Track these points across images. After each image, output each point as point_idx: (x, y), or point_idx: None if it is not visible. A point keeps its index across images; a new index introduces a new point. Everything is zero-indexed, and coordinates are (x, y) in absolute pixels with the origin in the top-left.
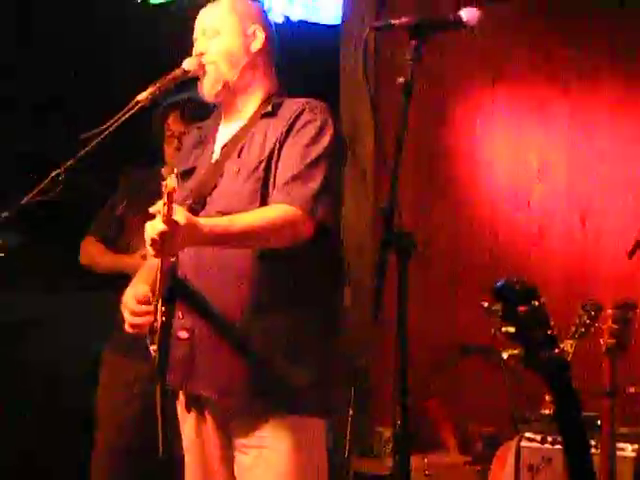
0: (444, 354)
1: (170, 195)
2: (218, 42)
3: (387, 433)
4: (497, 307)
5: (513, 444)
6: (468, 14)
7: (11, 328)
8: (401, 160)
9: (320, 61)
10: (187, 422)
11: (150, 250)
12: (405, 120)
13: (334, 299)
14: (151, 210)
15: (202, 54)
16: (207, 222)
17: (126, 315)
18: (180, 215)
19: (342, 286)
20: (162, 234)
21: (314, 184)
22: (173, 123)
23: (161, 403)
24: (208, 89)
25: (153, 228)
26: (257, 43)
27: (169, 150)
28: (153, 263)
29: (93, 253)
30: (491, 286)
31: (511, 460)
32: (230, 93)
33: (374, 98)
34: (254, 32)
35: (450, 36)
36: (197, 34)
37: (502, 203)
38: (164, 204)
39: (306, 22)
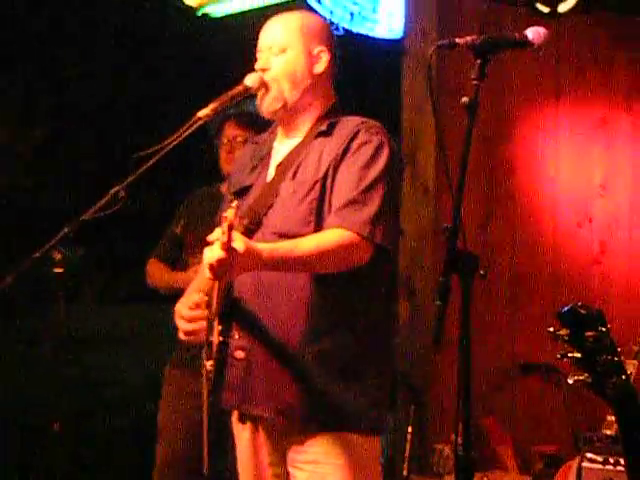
0: (504, 373)
1: (230, 226)
2: (283, 60)
3: (446, 450)
4: (563, 332)
5: (574, 464)
6: (534, 34)
7: (72, 341)
8: (464, 181)
9: (380, 75)
10: (241, 438)
11: (208, 275)
12: (469, 140)
13: (388, 320)
14: (209, 238)
15: (265, 70)
16: (266, 247)
17: (179, 323)
18: (239, 242)
19: (394, 305)
20: (220, 261)
21: (371, 208)
22: (228, 130)
23: (208, 421)
24: (267, 106)
25: (212, 254)
26: (321, 65)
27: (223, 155)
28: (205, 276)
29: (155, 274)
30: (556, 309)
31: None
32: (288, 112)
33: (436, 112)
34: (319, 53)
35: (513, 51)
36: (261, 47)
37: (564, 219)
38: (223, 232)
39: (367, 36)
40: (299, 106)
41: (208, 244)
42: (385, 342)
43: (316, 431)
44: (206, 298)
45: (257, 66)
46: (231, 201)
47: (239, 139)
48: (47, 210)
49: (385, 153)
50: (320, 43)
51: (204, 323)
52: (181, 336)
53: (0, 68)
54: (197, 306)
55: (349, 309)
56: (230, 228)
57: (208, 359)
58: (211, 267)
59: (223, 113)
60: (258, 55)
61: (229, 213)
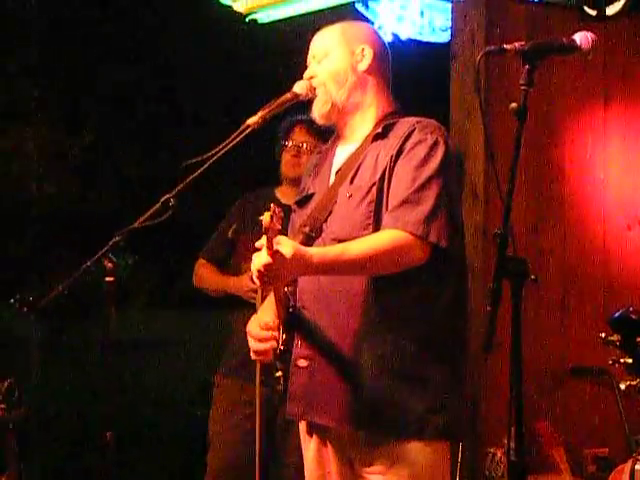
0: (555, 376)
1: (267, 230)
2: (326, 63)
3: (499, 454)
4: (615, 338)
5: (627, 467)
6: (582, 38)
7: (120, 348)
8: (514, 187)
9: (429, 79)
10: (308, 449)
11: (257, 281)
12: (518, 146)
13: (455, 322)
14: (257, 244)
15: (312, 77)
16: (316, 252)
17: (251, 343)
18: (286, 247)
19: (464, 305)
20: (266, 266)
21: (425, 207)
22: (298, 134)
23: (262, 429)
24: (318, 110)
25: (259, 260)
26: (365, 62)
27: (286, 157)
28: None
29: (204, 275)
30: (606, 312)
31: None
32: (340, 114)
33: (485, 118)
34: (362, 51)
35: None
36: (309, 59)
37: (614, 223)
38: (267, 239)
39: (415, 41)
40: (349, 106)
41: (257, 250)
42: (453, 343)
43: (381, 439)
44: (274, 324)
45: (305, 76)
46: (294, 211)
47: (307, 145)
48: (95, 214)
49: (440, 151)
50: (361, 42)
51: (274, 344)
52: (252, 355)
53: (49, 73)
54: (268, 327)
55: (410, 312)
56: (267, 231)
57: (278, 370)
58: (259, 273)
59: (290, 119)
60: (308, 66)
61: (264, 217)
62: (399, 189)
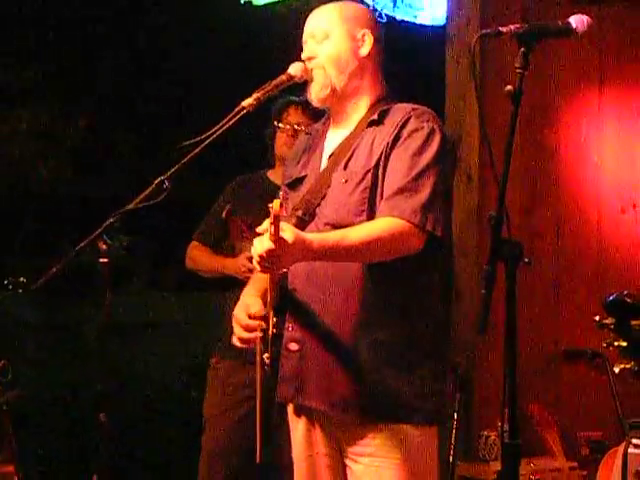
0: (549, 359)
1: (276, 217)
2: (327, 46)
3: (492, 436)
4: (609, 321)
5: (620, 450)
6: (577, 21)
7: (116, 330)
8: (509, 170)
9: (423, 62)
10: (297, 430)
11: (257, 267)
12: (513, 129)
13: (443, 310)
14: (258, 229)
15: (310, 58)
16: (316, 237)
17: (236, 329)
18: (288, 232)
19: (450, 295)
20: (269, 252)
21: (422, 195)
22: (292, 115)
23: (262, 410)
24: (316, 93)
25: (261, 246)
26: (366, 47)
27: (282, 138)
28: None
29: (198, 257)
30: (600, 295)
31: (618, 466)
32: (338, 98)
33: (480, 101)
34: (363, 36)
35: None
36: (306, 37)
37: (608, 206)
38: (271, 223)
39: (410, 22)
40: (348, 91)
41: (257, 235)
42: (440, 331)
43: (371, 423)
44: (262, 313)
45: (303, 56)
46: (285, 192)
47: (303, 126)
48: (90, 197)
49: (436, 140)
50: (363, 26)
51: (259, 334)
52: (234, 341)
53: (46, 54)
54: (256, 317)
55: (402, 299)
56: (276, 218)
57: (265, 352)
58: (261, 258)
59: (283, 99)
60: (304, 46)
61: (274, 204)
62: (396, 177)
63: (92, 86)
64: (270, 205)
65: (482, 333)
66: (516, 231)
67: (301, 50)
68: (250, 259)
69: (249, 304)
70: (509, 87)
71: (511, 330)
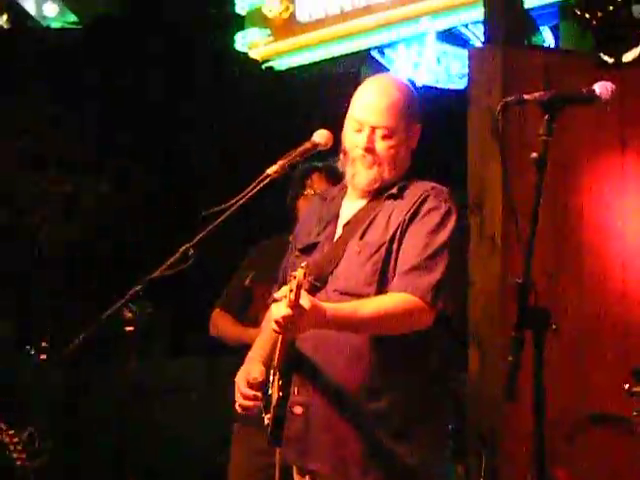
0: (575, 424)
1: (299, 286)
2: (389, 145)
3: None
4: (638, 389)
5: None
6: (601, 88)
7: (138, 395)
8: (535, 238)
9: (446, 125)
10: None
11: (274, 328)
12: (538, 197)
13: (443, 381)
14: (276, 295)
15: (369, 149)
16: (330, 307)
17: (236, 396)
18: (305, 300)
19: (456, 369)
20: (286, 318)
21: (436, 274)
22: (317, 182)
23: (281, 473)
24: (365, 183)
25: (278, 311)
26: (415, 140)
27: (306, 205)
28: (268, 336)
29: (222, 325)
30: (626, 361)
31: None
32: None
33: (504, 165)
34: (415, 130)
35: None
36: (365, 122)
37: (633, 271)
38: (291, 290)
39: (431, 87)
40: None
41: (275, 300)
42: (439, 403)
43: None
44: (260, 379)
45: (361, 144)
46: (297, 257)
47: None
48: (111, 260)
49: (452, 220)
50: (417, 120)
51: (259, 403)
52: (237, 408)
53: (67, 119)
54: (253, 386)
55: (405, 368)
56: (299, 287)
57: (266, 413)
58: (277, 324)
59: (306, 165)
60: (362, 126)
61: (298, 273)
62: (411, 254)
63: (116, 151)
64: (294, 274)
65: (511, 400)
66: (541, 296)
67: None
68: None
69: (249, 370)
70: (534, 155)
71: (539, 396)
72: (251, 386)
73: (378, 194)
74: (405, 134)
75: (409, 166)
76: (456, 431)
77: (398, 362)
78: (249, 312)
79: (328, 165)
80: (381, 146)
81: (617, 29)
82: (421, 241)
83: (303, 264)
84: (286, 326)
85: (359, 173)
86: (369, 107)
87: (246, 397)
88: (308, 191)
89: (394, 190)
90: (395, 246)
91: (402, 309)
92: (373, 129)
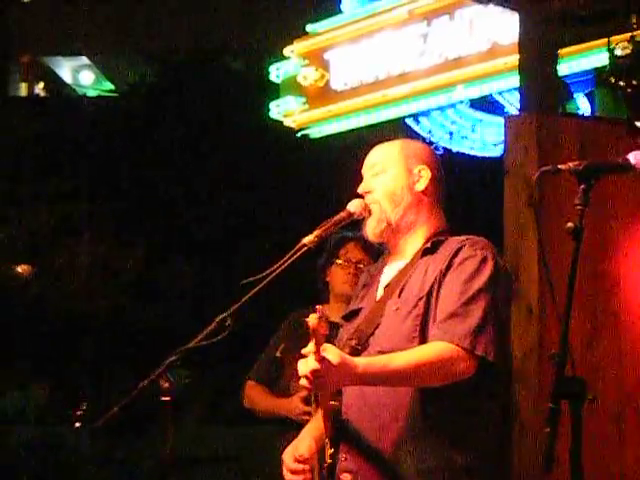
0: None
1: (315, 333)
2: (383, 181)
3: None
4: None
5: None
6: (636, 158)
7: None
8: (571, 307)
9: (481, 192)
10: None
11: (305, 385)
12: (575, 267)
13: (500, 440)
14: (303, 351)
15: (366, 193)
16: (362, 361)
17: (284, 471)
18: (332, 354)
19: (509, 425)
20: (314, 372)
21: (473, 320)
22: (352, 252)
23: None
24: (372, 229)
25: (306, 366)
26: (422, 183)
27: (341, 275)
28: (318, 419)
29: (254, 396)
30: None
31: None
32: (393, 232)
33: (540, 234)
34: (419, 172)
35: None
36: (364, 171)
37: None
38: (310, 337)
39: (466, 155)
40: (403, 225)
41: (302, 357)
42: (494, 461)
43: None
44: (307, 455)
45: (359, 190)
46: (341, 325)
47: (363, 263)
48: (148, 329)
49: (489, 267)
50: (420, 162)
51: (308, 477)
52: None
53: (100, 188)
54: (302, 460)
55: (453, 427)
56: (314, 332)
57: None
58: (307, 379)
59: (339, 235)
60: (363, 179)
61: (311, 318)
62: (447, 302)
63: (148, 216)
64: (307, 319)
65: (548, 471)
66: (578, 364)
67: (358, 185)
68: (304, 399)
69: (297, 446)
70: (570, 224)
71: (577, 467)
72: (298, 462)
73: (415, 254)
74: (404, 172)
75: (443, 224)
76: None
77: (446, 418)
78: (281, 383)
79: (362, 235)
80: (375, 183)
81: None
82: (457, 289)
83: (317, 308)
84: (315, 381)
85: (367, 224)
86: (367, 157)
87: (293, 472)
88: (343, 261)
89: (428, 245)
90: (433, 299)
91: (438, 357)
92: (368, 172)
